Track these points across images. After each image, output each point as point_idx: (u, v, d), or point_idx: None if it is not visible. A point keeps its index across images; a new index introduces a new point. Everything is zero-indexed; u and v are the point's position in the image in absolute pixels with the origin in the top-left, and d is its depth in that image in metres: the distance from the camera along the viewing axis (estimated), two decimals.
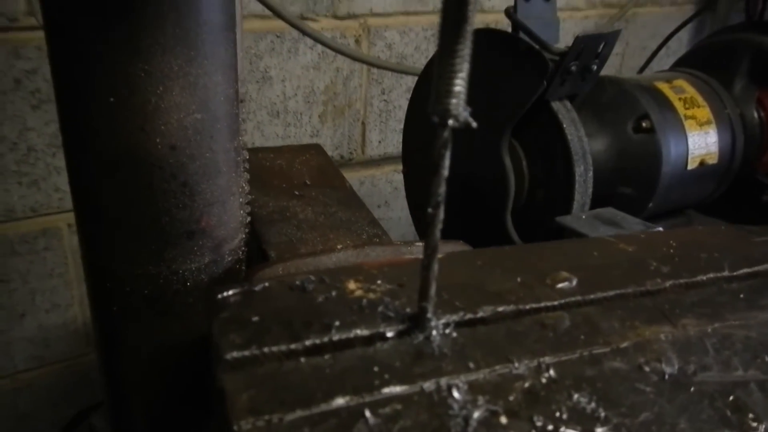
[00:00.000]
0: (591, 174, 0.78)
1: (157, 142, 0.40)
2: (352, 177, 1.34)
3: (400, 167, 1.04)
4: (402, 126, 1.01)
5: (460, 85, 0.25)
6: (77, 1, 0.37)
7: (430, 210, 0.30)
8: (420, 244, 0.45)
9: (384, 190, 1.43)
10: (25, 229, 1.08)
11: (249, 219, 0.50)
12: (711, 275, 0.39)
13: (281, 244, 0.50)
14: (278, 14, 0.88)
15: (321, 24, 1.19)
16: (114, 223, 0.42)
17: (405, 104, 1.26)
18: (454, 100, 0.25)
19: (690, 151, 0.93)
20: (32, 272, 1.11)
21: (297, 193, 0.58)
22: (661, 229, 0.70)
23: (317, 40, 1.01)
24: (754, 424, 0.27)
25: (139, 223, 0.42)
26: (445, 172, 0.29)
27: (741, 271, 0.39)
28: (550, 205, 0.80)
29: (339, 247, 0.45)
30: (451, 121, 0.26)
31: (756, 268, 0.40)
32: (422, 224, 1.00)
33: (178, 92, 0.39)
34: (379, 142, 1.37)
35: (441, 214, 0.30)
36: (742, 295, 0.37)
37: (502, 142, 0.80)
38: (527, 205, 0.84)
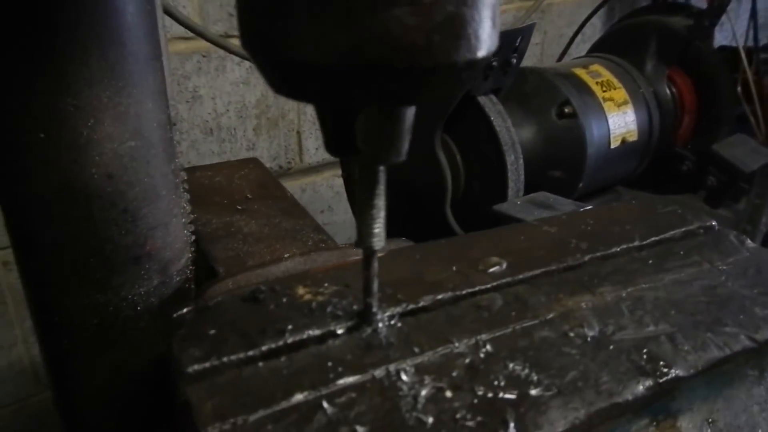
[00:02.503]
0: (521, 161, 0.82)
1: (93, 172, 0.40)
2: (293, 185, 1.35)
3: (340, 172, 1.05)
4: None
5: (378, 227, 0.31)
6: (1, 40, 0.37)
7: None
8: None
9: (326, 195, 1.44)
10: None
11: (194, 238, 0.50)
12: (624, 246, 0.43)
13: (229, 259, 0.51)
14: (202, 35, 0.88)
15: None
16: (57, 257, 0.42)
17: None
18: (375, 239, 0.31)
19: (611, 131, 0.98)
20: None
21: (239, 207, 0.59)
22: (591, 207, 0.74)
23: (243, 56, 1.01)
24: (665, 370, 0.30)
25: (82, 253, 0.42)
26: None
27: (649, 240, 0.43)
28: (486, 195, 0.83)
29: (286, 256, 0.46)
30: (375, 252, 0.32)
31: (661, 236, 0.44)
32: None
33: (110, 123, 0.40)
34: (316, 149, 1.38)
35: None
36: (650, 261, 0.40)
37: (436, 139, 0.83)
38: (465, 196, 0.87)
